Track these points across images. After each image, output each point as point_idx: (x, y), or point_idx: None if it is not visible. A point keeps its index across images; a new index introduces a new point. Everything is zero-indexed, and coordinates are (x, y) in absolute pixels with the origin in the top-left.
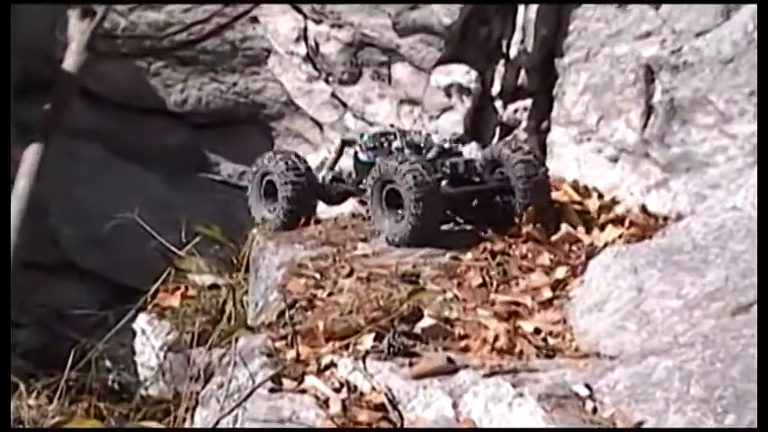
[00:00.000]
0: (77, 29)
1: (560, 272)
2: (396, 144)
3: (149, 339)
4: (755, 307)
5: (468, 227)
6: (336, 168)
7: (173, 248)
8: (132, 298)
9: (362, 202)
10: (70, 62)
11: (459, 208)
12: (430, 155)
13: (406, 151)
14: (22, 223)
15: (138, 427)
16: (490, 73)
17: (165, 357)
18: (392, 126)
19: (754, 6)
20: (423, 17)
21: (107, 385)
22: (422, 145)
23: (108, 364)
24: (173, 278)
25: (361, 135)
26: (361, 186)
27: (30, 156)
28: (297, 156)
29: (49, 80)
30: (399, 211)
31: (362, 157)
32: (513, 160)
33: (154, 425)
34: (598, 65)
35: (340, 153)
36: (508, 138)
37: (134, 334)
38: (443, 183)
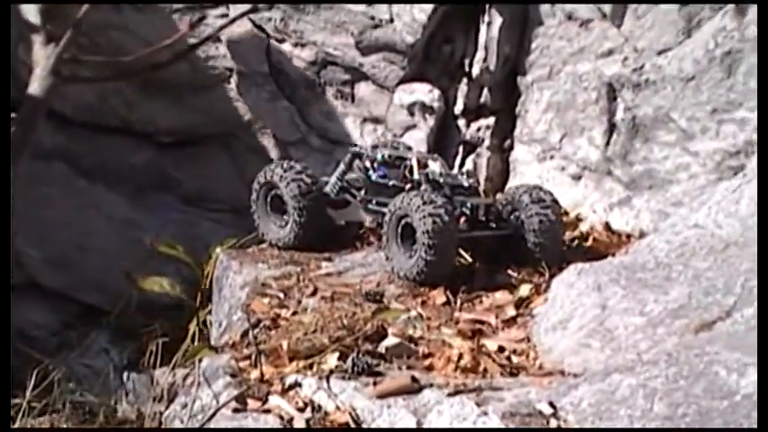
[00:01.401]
0: (42, 53)
1: (524, 290)
2: (415, 175)
3: (112, 359)
4: (719, 324)
5: None
6: (344, 180)
7: (136, 268)
8: (95, 318)
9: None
10: (35, 87)
11: (472, 249)
12: (448, 191)
13: (424, 186)
14: None
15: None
16: (453, 91)
17: (128, 377)
18: (409, 148)
19: (716, 24)
20: (386, 35)
21: (70, 405)
22: (440, 181)
23: (70, 384)
24: (136, 298)
25: (374, 150)
26: (369, 206)
27: None
28: (301, 167)
29: (15, 101)
30: (414, 247)
31: (374, 176)
32: (530, 211)
33: None
34: (560, 83)
35: (349, 166)
36: (529, 184)
37: (97, 353)
38: (461, 222)
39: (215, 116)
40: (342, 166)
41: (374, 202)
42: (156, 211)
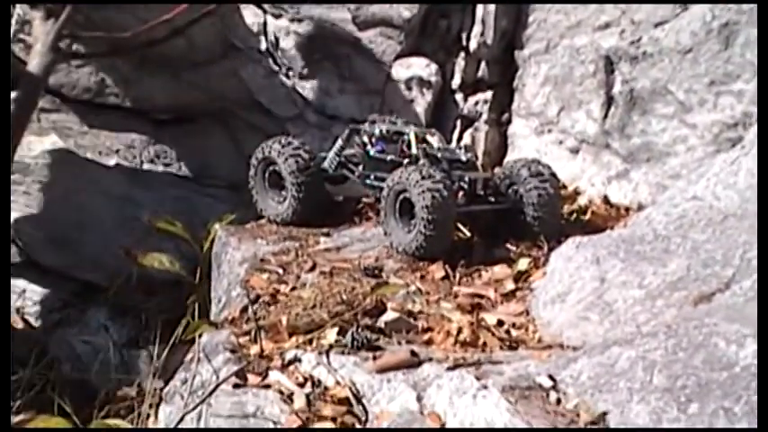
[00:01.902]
0: (42, 30)
1: (523, 263)
2: (413, 150)
3: (111, 336)
4: (717, 296)
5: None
6: (342, 156)
7: (135, 245)
8: (95, 295)
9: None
10: (35, 63)
11: (470, 223)
12: (446, 165)
13: (423, 161)
14: None
15: (105, 425)
16: (450, 66)
17: (127, 354)
18: (407, 123)
19: None
20: (382, 11)
21: (69, 382)
22: (438, 155)
23: (70, 360)
24: (135, 275)
25: (372, 126)
26: (367, 182)
27: None
28: (299, 142)
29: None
30: (412, 222)
31: (372, 151)
32: (528, 185)
33: (118, 422)
34: (558, 56)
35: (347, 141)
36: (527, 158)
37: (96, 330)
38: (459, 197)
39: (212, 93)
40: (340, 142)
41: (372, 177)
42: (153, 187)
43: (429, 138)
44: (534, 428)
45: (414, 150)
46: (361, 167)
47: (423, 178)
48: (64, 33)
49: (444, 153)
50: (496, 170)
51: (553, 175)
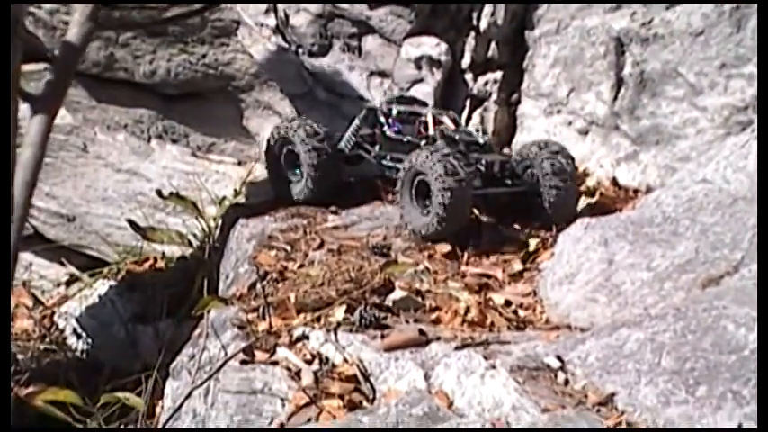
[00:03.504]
0: None
1: (531, 244)
2: (430, 131)
3: (118, 311)
4: (726, 279)
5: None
6: (359, 136)
7: (142, 220)
8: (101, 269)
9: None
10: (74, 32)
11: (486, 206)
12: (463, 147)
13: (439, 143)
14: (28, 193)
15: (114, 398)
16: (460, 45)
17: (134, 328)
18: (424, 104)
19: None
20: None
21: (75, 356)
22: (456, 137)
23: (76, 334)
24: (142, 250)
25: (389, 106)
26: (383, 162)
27: (35, 126)
28: (315, 122)
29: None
30: (427, 203)
31: (388, 132)
32: (545, 169)
33: (128, 395)
34: (568, 37)
35: (364, 121)
36: (542, 138)
37: (103, 305)
38: (475, 180)
39: (221, 69)
40: (356, 122)
41: (389, 158)
42: (162, 162)
43: (446, 119)
44: (575, 429)
45: (431, 132)
46: (377, 148)
47: (440, 160)
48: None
49: (461, 135)
50: (513, 152)
51: (570, 158)
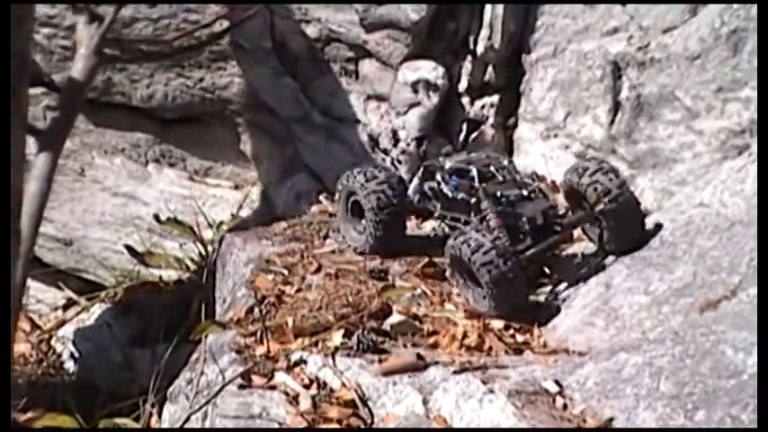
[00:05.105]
0: (85, 33)
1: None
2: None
3: (115, 335)
4: (724, 303)
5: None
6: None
7: (139, 244)
8: (98, 293)
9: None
10: (79, 67)
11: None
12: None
13: (484, 204)
14: (35, 227)
15: (113, 424)
16: (457, 69)
17: (131, 352)
18: (477, 155)
19: (721, 2)
20: (390, 13)
21: (72, 380)
22: (498, 194)
23: (74, 358)
24: (139, 274)
25: (443, 161)
26: (446, 222)
27: (41, 160)
28: (387, 177)
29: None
30: (480, 288)
31: (446, 190)
32: (589, 197)
33: (126, 421)
34: (565, 61)
35: (423, 178)
36: (581, 162)
37: (100, 329)
38: (525, 242)
39: (218, 93)
40: (416, 180)
41: (449, 218)
42: (159, 186)
43: (493, 168)
44: (536, 428)
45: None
46: (439, 206)
47: (478, 250)
48: (108, 38)
49: (505, 189)
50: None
51: (613, 171)
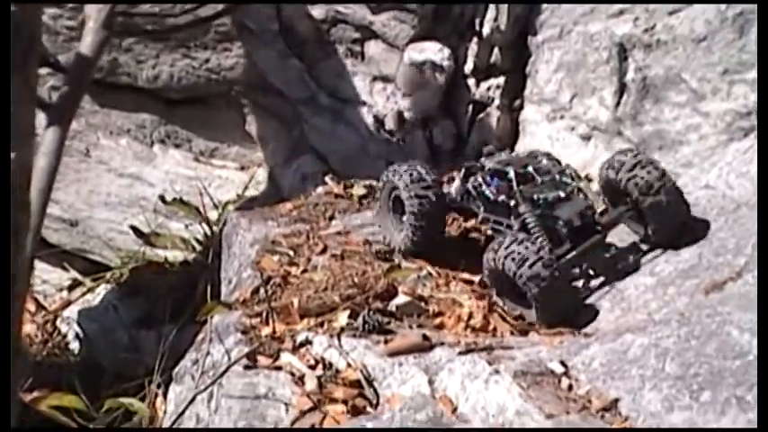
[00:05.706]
0: (94, 7)
1: None
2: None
3: (121, 315)
4: (729, 284)
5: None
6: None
7: (145, 224)
8: (103, 274)
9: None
10: (87, 41)
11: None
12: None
13: (522, 208)
14: (44, 202)
15: (117, 404)
16: (463, 50)
17: (136, 333)
18: (518, 155)
19: None
20: None
21: (78, 361)
22: (535, 197)
23: (79, 339)
24: (145, 254)
25: (484, 162)
26: (490, 225)
27: (49, 135)
28: (422, 167)
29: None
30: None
31: (488, 193)
32: (630, 192)
33: (131, 401)
34: (571, 43)
35: (465, 180)
36: (616, 156)
37: (106, 310)
38: (565, 245)
39: (224, 74)
40: (457, 182)
41: (492, 221)
42: (164, 167)
43: (531, 168)
44: (565, 429)
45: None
46: (482, 208)
47: (523, 264)
48: (116, 11)
49: (543, 192)
50: (594, 188)
51: (651, 163)
